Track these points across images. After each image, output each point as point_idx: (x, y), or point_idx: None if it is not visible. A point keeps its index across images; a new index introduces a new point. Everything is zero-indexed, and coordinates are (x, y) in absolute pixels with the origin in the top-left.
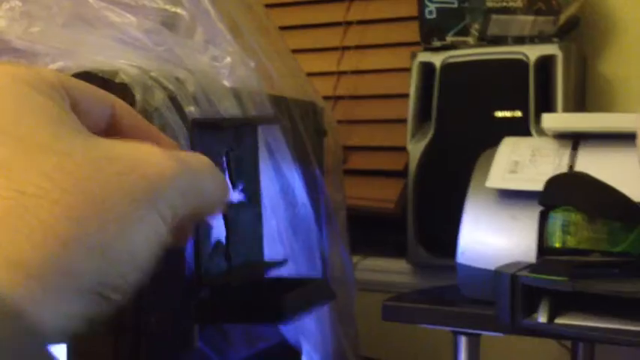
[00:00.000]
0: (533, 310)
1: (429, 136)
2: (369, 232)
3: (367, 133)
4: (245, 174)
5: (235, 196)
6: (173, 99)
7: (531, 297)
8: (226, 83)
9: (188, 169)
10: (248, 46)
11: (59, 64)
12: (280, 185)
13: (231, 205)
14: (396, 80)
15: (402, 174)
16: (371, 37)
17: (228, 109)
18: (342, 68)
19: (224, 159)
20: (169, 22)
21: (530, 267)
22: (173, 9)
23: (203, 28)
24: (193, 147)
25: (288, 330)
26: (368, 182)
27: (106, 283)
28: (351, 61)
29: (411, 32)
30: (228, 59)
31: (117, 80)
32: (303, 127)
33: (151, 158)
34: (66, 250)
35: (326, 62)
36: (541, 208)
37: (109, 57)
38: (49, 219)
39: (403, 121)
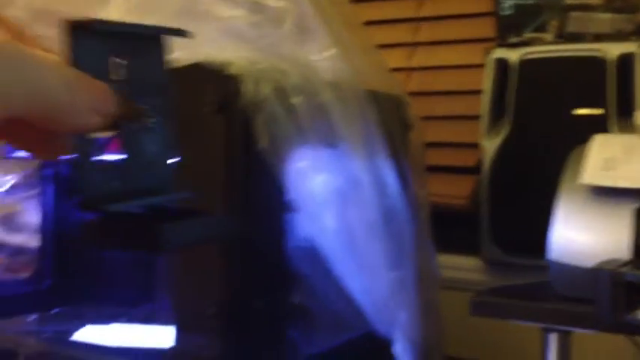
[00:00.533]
0: (633, 307)
1: (505, 132)
2: (441, 228)
3: (438, 129)
4: (147, 93)
5: (133, 114)
6: (280, 90)
7: (631, 294)
8: (325, 76)
9: (15, 57)
10: (339, 40)
11: (172, 55)
12: (374, 176)
13: (131, 125)
14: (466, 76)
15: (473, 170)
16: (442, 33)
17: (329, 101)
18: (414, 64)
19: (113, 69)
20: (268, 16)
21: (631, 264)
22: (271, 2)
23: (299, 22)
24: (70, 52)
25: (379, 320)
26: (439, 178)
27: None
28: (422, 57)
29: (482, 28)
30: (326, 53)
31: (227, 72)
32: (391, 121)
33: None
34: None
35: (397, 58)
36: (636, 205)
37: (218, 49)
38: None
39: (474, 117)
